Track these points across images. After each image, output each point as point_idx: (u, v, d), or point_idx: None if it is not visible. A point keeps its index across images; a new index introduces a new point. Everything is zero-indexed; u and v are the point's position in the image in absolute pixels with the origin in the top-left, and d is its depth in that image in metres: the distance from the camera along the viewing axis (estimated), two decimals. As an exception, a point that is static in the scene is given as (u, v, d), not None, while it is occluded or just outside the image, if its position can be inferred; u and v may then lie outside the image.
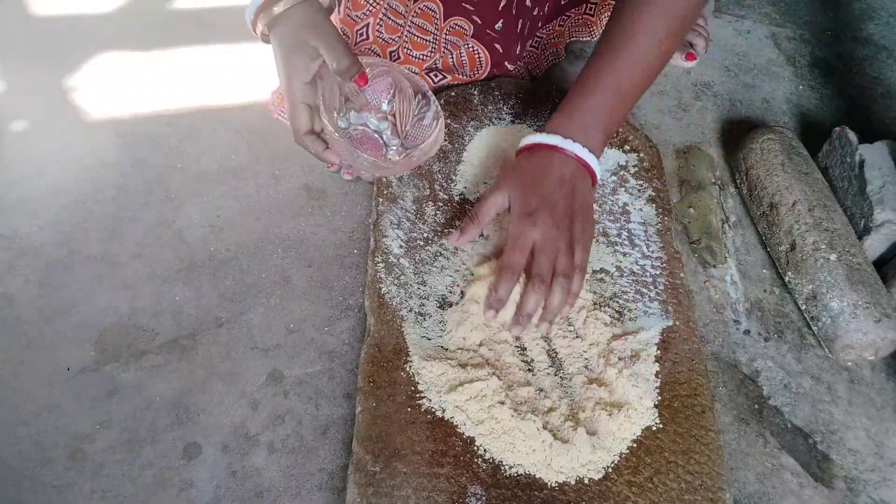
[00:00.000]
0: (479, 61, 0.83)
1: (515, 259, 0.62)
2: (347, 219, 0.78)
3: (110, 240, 0.73)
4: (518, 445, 0.59)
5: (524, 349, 0.66)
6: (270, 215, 0.77)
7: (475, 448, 0.59)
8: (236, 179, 0.80)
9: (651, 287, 0.71)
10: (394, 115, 0.75)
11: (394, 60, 0.81)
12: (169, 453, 0.61)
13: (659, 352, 0.66)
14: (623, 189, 0.79)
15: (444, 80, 0.85)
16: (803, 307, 0.75)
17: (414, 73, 0.81)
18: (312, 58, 0.65)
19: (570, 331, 0.67)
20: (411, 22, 0.79)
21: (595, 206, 0.75)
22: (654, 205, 0.77)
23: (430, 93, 0.73)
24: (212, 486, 0.59)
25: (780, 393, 0.70)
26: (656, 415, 0.62)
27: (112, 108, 0.84)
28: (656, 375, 0.65)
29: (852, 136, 0.82)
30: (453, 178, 0.78)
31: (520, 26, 0.83)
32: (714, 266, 0.79)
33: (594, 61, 0.66)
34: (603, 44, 0.66)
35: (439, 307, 0.68)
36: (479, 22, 0.79)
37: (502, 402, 0.61)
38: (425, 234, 0.73)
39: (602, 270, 0.72)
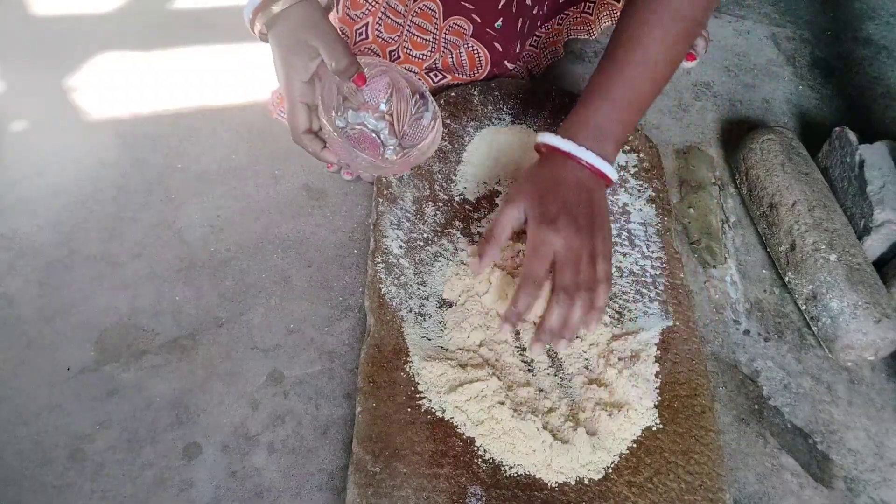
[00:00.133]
0: (479, 61, 0.83)
1: (537, 269, 0.58)
2: (347, 219, 0.78)
3: (110, 240, 0.73)
4: (518, 446, 0.59)
5: (524, 349, 0.66)
6: (270, 215, 0.77)
7: (475, 448, 0.59)
8: (236, 179, 0.80)
9: (651, 287, 0.71)
10: (391, 115, 0.75)
11: (393, 60, 0.81)
12: (169, 453, 0.61)
13: (659, 352, 0.66)
14: (623, 189, 0.78)
15: (444, 80, 0.85)
16: (803, 307, 0.75)
17: (413, 72, 0.81)
18: (311, 57, 0.65)
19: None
20: (411, 21, 0.79)
21: None
22: (653, 205, 0.77)
23: (427, 93, 0.73)
24: (212, 487, 0.59)
25: (780, 393, 0.70)
26: (656, 415, 0.62)
27: (112, 108, 0.84)
28: (656, 376, 0.65)
29: (852, 136, 0.82)
30: (453, 178, 0.78)
31: (519, 25, 0.83)
32: (714, 266, 0.79)
33: (606, 67, 0.65)
34: (613, 49, 0.65)
35: (439, 307, 0.68)
36: (479, 21, 0.79)
37: (502, 403, 0.61)
38: (425, 235, 0.73)
39: (602, 270, 0.72)
